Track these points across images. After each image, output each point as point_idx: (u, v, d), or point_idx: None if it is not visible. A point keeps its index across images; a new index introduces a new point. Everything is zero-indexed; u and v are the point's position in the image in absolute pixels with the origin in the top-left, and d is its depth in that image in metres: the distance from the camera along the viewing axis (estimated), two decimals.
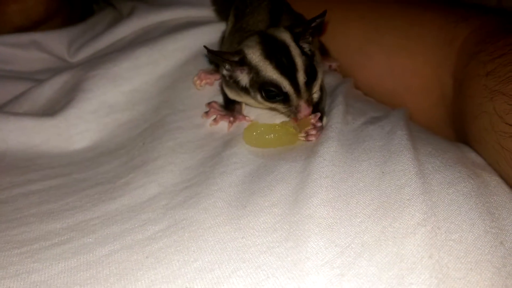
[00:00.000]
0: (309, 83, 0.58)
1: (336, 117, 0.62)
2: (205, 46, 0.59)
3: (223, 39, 0.79)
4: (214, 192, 0.52)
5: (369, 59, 0.83)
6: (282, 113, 0.62)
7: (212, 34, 0.82)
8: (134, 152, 0.63)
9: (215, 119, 0.66)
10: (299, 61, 0.56)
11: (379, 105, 0.77)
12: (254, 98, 0.60)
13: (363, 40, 0.84)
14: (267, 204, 0.49)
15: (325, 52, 0.86)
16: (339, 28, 0.87)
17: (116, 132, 0.69)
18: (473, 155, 0.59)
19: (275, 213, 0.47)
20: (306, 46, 0.60)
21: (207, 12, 0.90)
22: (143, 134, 0.67)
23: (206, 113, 0.67)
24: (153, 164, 0.59)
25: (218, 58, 0.59)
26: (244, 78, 0.59)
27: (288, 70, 0.56)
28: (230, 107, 0.67)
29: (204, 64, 0.77)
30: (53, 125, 0.70)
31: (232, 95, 0.65)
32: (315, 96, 0.62)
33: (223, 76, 0.63)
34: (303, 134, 0.60)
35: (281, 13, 0.70)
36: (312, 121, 0.61)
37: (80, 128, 0.70)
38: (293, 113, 0.58)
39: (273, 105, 0.60)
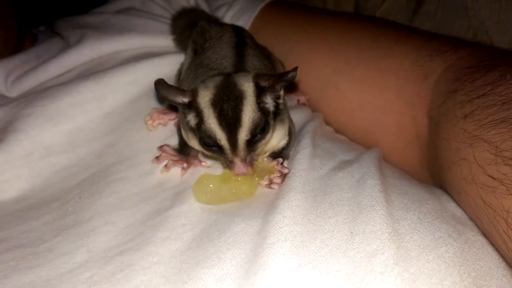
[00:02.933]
0: (253, 142, 0.51)
1: (302, 162, 0.56)
2: (157, 81, 0.51)
3: (180, 73, 0.72)
4: (151, 266, 0.44)
5: (339, 94, 0.77)
6: (219, 162, 0.55)
7: (169, 66, 0.75)
8: (67, 208, 0.55)
9: (166, 165, 0.58)
10: (246, 117, 0.49)
11: (350, 144, 0.71)
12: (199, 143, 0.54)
13: (332, 72, 0.78)
14: (211, 279, 0.41)
15: (293, 86, 0.80)
16: (307, 60, 0.81)
17: (51, 180, 0.61)
18: (452, 206, 0.53)
19: None
20: (268, 102, 0.53)
21: (166, 41, 0.83)
22: (82, 186, 0.58)
23: (157, 158, 0.59)
24: (86, 225, 0.51)
25: (166, 97, 0.52)
26: (192, 120, 0.52)
27: (229, 124, 0.49)
28: (185, 151, 0.60)
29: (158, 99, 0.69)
30: None
31: (185, 137, 0.58)
32: (268, 147, 0.56)
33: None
34: (265, 182, 0.54)
35: (245, 48, 0.64)
36: (278, 167, 0.55)
37: (8, 174, 0.60)
38: (229, 167, 0.52)
39: (211, 154, 0.54)
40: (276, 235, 0.44)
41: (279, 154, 0.58)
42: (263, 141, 0.52)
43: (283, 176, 0.54)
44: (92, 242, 0.48)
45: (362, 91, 0.74)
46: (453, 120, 0.55)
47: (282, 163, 0.56)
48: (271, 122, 0.52)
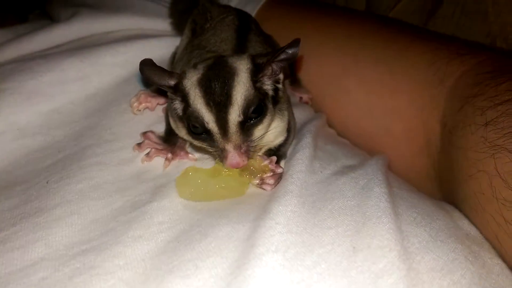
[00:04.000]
0: (247, 124, 0.45)
1: (300, 163, 0.50)
2: (143, 60, 0.46)
3: (175, 56, 0.66)
4: (115, 270, 0.38)
5: (346, 94, 0.71)
6: (210, 155, 0.49)
7: (163, 49, 0.69)
8: (32, 192, 0.48)
9: (148, 154, 0.52)
10: (238, 94, 0.43)
11: (354, 149, 0.65)
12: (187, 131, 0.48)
13: (340, 71, 0.73)
14: None
15: (296, 82, 0.75)
16: (313, 56, 0.75)
17: (21, 162, 0.54)
18: (465, 224, 0.48)
19: None
20: (267, 83, 0.47)
21: (163, 24, 0.77)
22: (51, 169, 0.52)
23: (139, 145, 0.53)
24: (48, 214, 0.44)
25: (151, 78, 0.45)
26: (178, 105, 0.46)
27: (218, 103, 0.43)
28: (171, 140, 0.54)
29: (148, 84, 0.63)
30: None
31: (174, 125, 0.52)
32: (265, 140, 0.50)
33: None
34: (257, 181, 0.48)
35: (248, 32, 0.58)
36: (271, 166, 0.48)
37: None
38: (220, 158, 0.45)
39: (200, 144, 0.48)
40: (266, 245, 0.38)
41: (276, 152, 0.52)
42: (260, 126, 0.46)
43: (278, 176, 0.49)
44: (53, 235, 0.42)
45: (371, 93, 0.69)
46: (472, 127, 0.50)
47: (277, 162, 0.50)
48: (269, 106, 0.47)
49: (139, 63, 0.46)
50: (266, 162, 0.48)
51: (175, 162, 0.52)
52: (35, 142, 0.56)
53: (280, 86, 0.49)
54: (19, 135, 0.57)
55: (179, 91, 0.45)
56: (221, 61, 0.46)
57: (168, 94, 0.49)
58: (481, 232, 0.47)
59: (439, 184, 0.60)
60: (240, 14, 0.63)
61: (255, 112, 0.44)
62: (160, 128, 0.56)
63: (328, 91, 0.74)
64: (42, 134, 0.57)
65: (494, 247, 0.45)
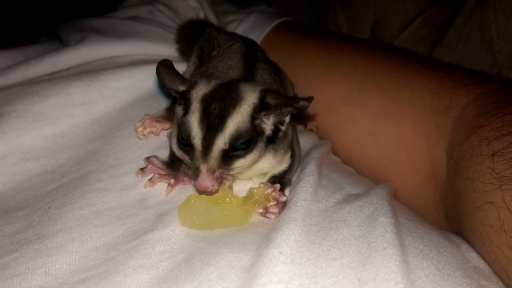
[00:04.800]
0: (230, 154, 0.44)
1: (305, 191, 0.49)
2: (162, 60, 0.47)
3: None
4: None
5: (350, 122, 0.71)
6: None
7: None
8: (33, 218, 0.48)
9: (151, 179, 0.51)
10: (231, 123, 0.44)
11: (359, 177, 0.65)
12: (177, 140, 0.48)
13: (345, 99, 0.73)
14: None
15: (302, 115, 0.75)
16: (319, 84, 0.76)
17: (23, 186, 0.54)
18: (473, 257, 0.47)
19: None
20: (267, 123, 0.47)
21: (169, 50, 0.78)
22: (54, 194, 0.52)
23: (142, 169, 0.53)
24: (49, 241, 0.44)
25: (164, 79, 0.47)
26: (179, 113, 0.47)
27: (211, 124, 0.43)
28: (174, 166, 0.53)
29: (154, 109, 0.63)
30: None
31: (174, 147, 0.51)
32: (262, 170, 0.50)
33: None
34: (260, 210, 0.47)
35: (256, 60, 0.59)
36: (275, 194, 0.48)
37: None
38: (193, 176, 0.45)
39: (181, 155, 0.48)
40: (269, 275, 0.37)
41: (280, 179, 0.52)
42: (242, 161, 0.45)
43: (282, 205, 0.48)
44: (53, 263, 0.41)
45: (375, 121, 0.68)
46: (479, 158, 0.49)
47: (281, 190, 0.49)
48: (260, 144, 0.46)
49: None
50: (270, 190, 0.48)
51: (178, 188, 0.51)
52: (39, 166, 0.56)
53: (283, 128, 0.49)
54: (23, 158, 0.56)
55: (185, 99, 0.45)
56: (233, 85, 0.47)
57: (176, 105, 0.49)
58: (489, 265, 0.46)
59: (446, 215, 0.59)
60: (247, 42, 0.64)
61: (244, 144, 0.44)
62: (165, 153, 0.56)
63: (333, 118, 0.74)
64: (46, 158, 0.57)
65: (502, 281, 0.43)
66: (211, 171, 0.43)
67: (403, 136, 0.65)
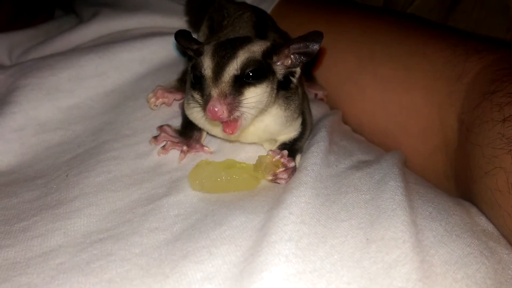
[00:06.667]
0: (240, 81, 0.44)
1: (315, 156, 0.50)
2: (180, 30, 0.49)
3: None
4: (131, 257, 0.38)
5: (361, 91, 0.71)
6: (199, 106, 0.48)
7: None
8: (52, 186, 0.50)
9: (164, 146, 0.53)
10: (241, 52, 0.45)
11: (369, 145, 0.65)
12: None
13: (355, 68, 0.72)
14: (198, 276, 0.36)
15: (311, 79, 0.74)
16: (328, 53, 0.75)
17: (40, 156, 0.56)
18: (482, 220, 0.47)
19: None
20: (279, 67, 0.47)
21: (179, 22, 0.78)
22: (71, 163, 0.53)
23: (156, 138, 0.54)
24: (68, 206, 0.46)
25: (181, 41, 0.49)
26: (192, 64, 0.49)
27: (222, 56, 0.45)
28: (187, 133, 0.54)
29: (165, 80, 0.64)
30: None
31: (189, 112, 0.52)
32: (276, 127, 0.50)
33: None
34: (270, 177, 0.48)
35: (267, 28, 0.59)
36: (283, 160, 0.49)
37: None
38: (203, 107, 0.45)
39: (195, 95, 0.47)
40: (279, 233, 0.38)
41: (291, 146, 0.52)
42: (253, 89, 0.45)
43: (291, 170, 0.49)
44: (72, 225, 0.43)
45: (386, 90, 0.68)
46: (489, 124, 0.49)
47: (293, 157, 0.50)
48: (272, 81, 0.47)
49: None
50: (278, 157, 0.49)
51: (190, 155, 0.53)
52: (56, 137, 0.58)
53: (294, 80, 0.49)
54: (39, 130, 0.58)
55: (199, 53, 0.47)
56: (245, 36, 0.49)
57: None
58: (498, 229, 0.46)
59: (456, 183, 0.59)
60: (257, 11, 0.63)
61: (254, 73, 0.44)
62: (177, 123, 0.57)
63: (343, 87, 0.73)
64: (62, 129, 0.59)
65: (511, 244, 0.44)
66: (222, 96, 0.43)
67: (414, 104, 0.64)
